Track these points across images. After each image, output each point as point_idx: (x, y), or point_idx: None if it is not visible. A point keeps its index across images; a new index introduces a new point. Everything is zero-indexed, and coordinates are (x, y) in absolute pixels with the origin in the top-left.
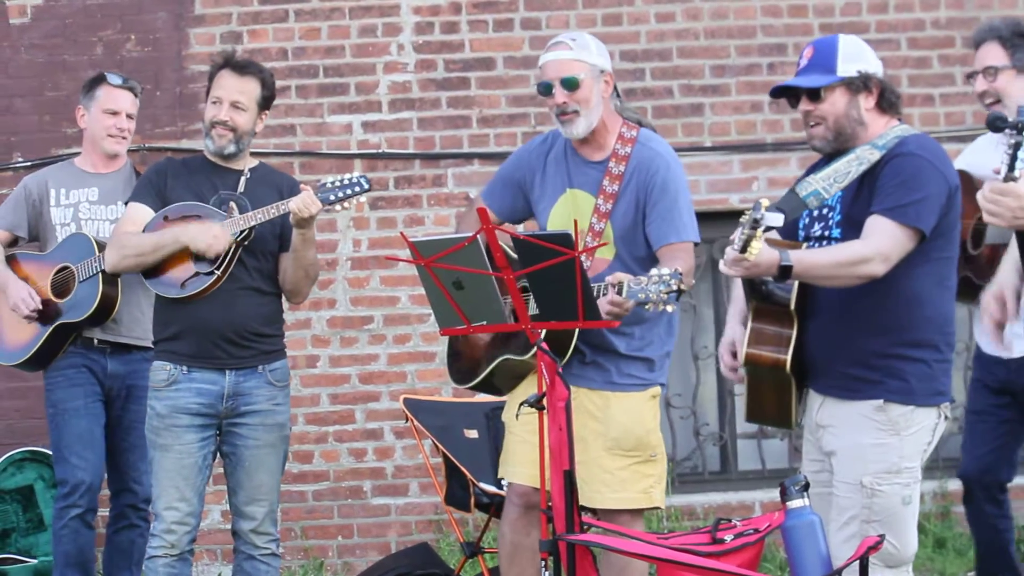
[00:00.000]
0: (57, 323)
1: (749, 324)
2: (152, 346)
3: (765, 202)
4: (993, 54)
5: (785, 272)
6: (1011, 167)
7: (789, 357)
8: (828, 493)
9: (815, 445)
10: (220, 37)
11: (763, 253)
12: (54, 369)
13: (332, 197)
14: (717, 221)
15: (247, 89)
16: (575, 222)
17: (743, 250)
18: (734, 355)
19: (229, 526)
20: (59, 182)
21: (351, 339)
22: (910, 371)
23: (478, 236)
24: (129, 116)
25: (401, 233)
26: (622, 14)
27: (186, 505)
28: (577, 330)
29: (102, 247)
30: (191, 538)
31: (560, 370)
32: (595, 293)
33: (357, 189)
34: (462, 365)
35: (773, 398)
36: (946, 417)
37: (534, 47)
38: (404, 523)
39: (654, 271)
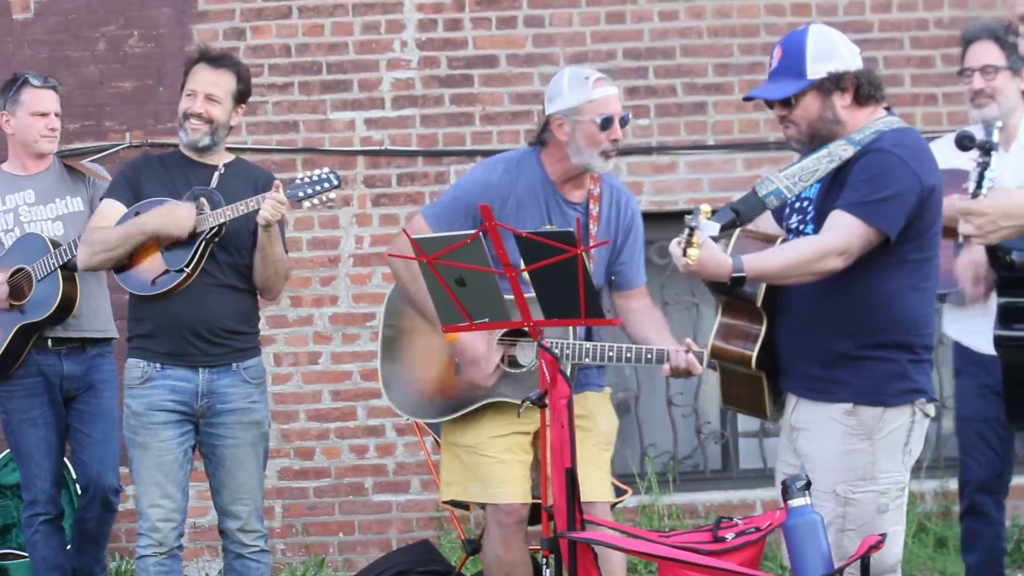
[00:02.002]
0: (19, 325)
1: (718, 318)
2: (109, 338)
3: (705, 208)
4: (991, 53)
5: (737, 282)
6: (979, 185)
7: (755, 354)
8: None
9: (789, 448)
10: (223, 33)
11: (712, 259)
12: (12, 378)
13: (301, 194)
14: None
15: (221, 82)
16: (577, 220)
17: (685, 251)
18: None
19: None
20: None
21: (353, 336)
22: (879, 371)
23: (480, 234)
24: (56, 115)
25: (404, 230)
26: (625, 12)
27: (169, 502)
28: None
29: (55, 244)
30: (178, 534)
31: (562, 367)
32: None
33: (327, 185)
34: (437, 400)
35: (745, 389)
36: (925, 415)
37: (537, 44)
38: (405, 520)
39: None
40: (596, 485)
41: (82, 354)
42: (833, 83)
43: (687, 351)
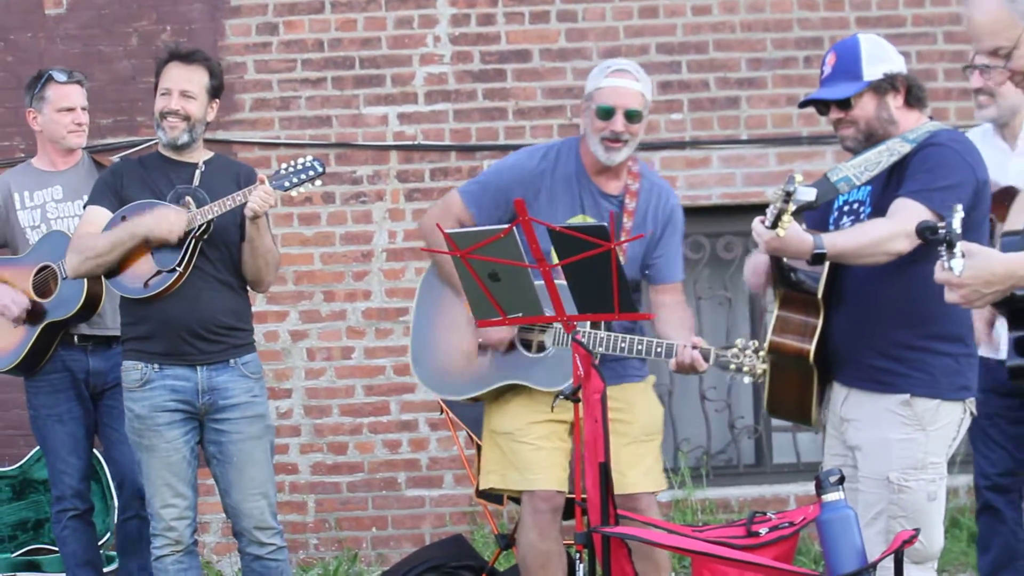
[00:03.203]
0: (45, 323)
1: (775, 312)
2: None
3: (799, 176)
4: None
5: (819, 259)
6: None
7: (813, 347)
8: (852, 488)
9: (838, 439)
10: (256, 28)
11: (795, 235)
12: (38, 374)
13: (287, 184)
14: (752, 214)
15: (194, 78)
16: (611, 214)
17: (774, 225)
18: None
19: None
20: (21, 185)
21: (386, 331)
22: (936, 364)
23: (514, 228)
24: (83, 109)
25: (437, 224)
26: (658, 6)
27: (182, 500)
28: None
29: None
30: (192, 530)
31: (596, 362)
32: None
33: (312, 173)
34: (454, 379)
35: (794, 392)
36: (972, 413)
37: (570, 39)
38: (438, 515)
39: (740, 342)
40: (640, 477)
41: (108, 350)
42: (888, 83)
43: (694, 348)
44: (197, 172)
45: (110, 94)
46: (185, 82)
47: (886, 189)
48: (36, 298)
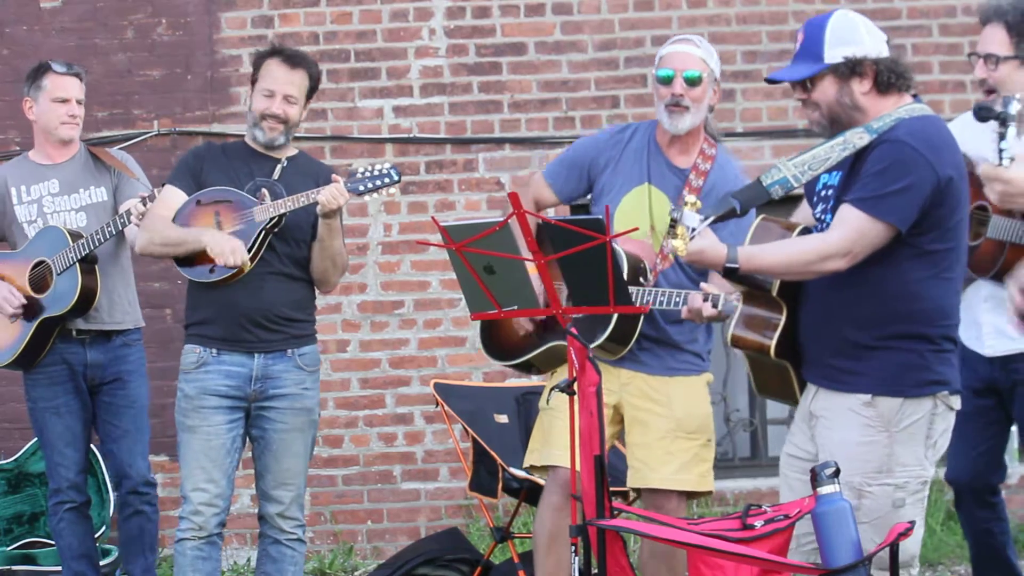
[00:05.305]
0: (41, 318)
1: (739, 307)
2: (132, 328)
3: (690, 199)
4: (997, 40)
5: (730, 273)
6: (1000, 157)
7: (774, 343)
8: (801, 481)
9: (806, 434)
10: (251, 21)
11: (710, 247)
12: (36, 367)
13: (362, 188)
14: None
15: (298, 81)
16: (606, 208)
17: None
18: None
19: (257, 510)
20: (18, 179)
21: (382, 324)
22: (899, 361)
23: (510, 220)
24: (79, 102)
25: (432, 218)
26: None
27: (214, 487)
28: (641, 321)
29: (75, 237)
30: (219, 520)
31: (591, 355)
32: (669, 298)
33: (387, 180)
34: (501, 343)
35: (775, 378)
36: (949, 407)
37: (565, 32)
38: (434, 508)
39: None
40: (668, 475)
41: (107, 343)
42: (849, 68)
43: (705, 297)
44: (279, 167)
45: (106, 87)
46: (290, 86)
47: (847, 182)
48: (32, 294)
